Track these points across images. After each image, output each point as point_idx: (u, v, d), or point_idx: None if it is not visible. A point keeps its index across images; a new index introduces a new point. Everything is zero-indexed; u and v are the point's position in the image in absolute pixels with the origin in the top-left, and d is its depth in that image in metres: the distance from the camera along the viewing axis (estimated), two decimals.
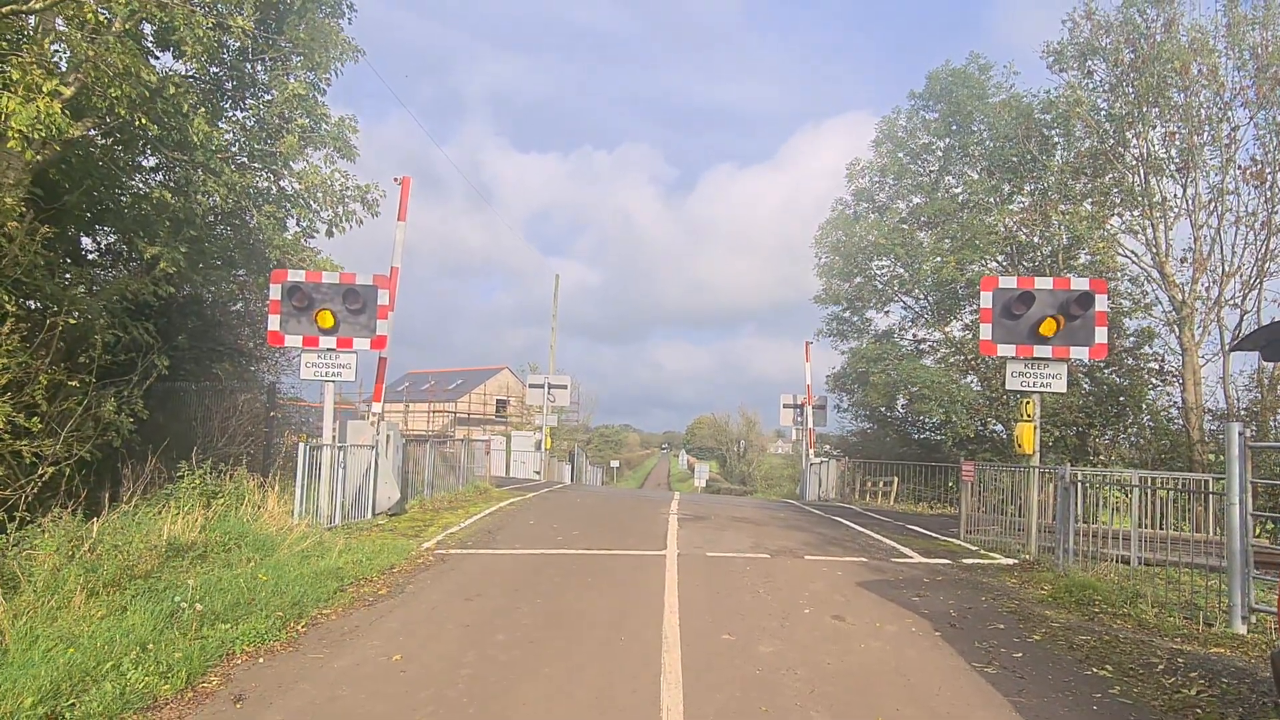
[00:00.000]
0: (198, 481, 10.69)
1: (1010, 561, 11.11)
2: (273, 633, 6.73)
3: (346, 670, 5.97)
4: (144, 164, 13.62)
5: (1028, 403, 12.32)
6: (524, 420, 47.53)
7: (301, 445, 11.26)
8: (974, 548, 12.44)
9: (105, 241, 15.13)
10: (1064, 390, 12.48)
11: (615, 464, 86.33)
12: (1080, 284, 12.12)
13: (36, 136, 8.23)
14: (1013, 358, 12.16)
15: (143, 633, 6.33)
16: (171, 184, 12.75)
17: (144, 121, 9.97)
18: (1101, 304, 11.88)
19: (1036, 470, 12.09)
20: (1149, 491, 11.86)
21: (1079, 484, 10.48)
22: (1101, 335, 11.90)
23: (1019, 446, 12.21)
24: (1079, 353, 12.04)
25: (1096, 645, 6.95)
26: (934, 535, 14.13)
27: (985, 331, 12.22)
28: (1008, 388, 12.50)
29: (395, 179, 14.57)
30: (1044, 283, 12.18)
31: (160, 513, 9.80)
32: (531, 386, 32.69)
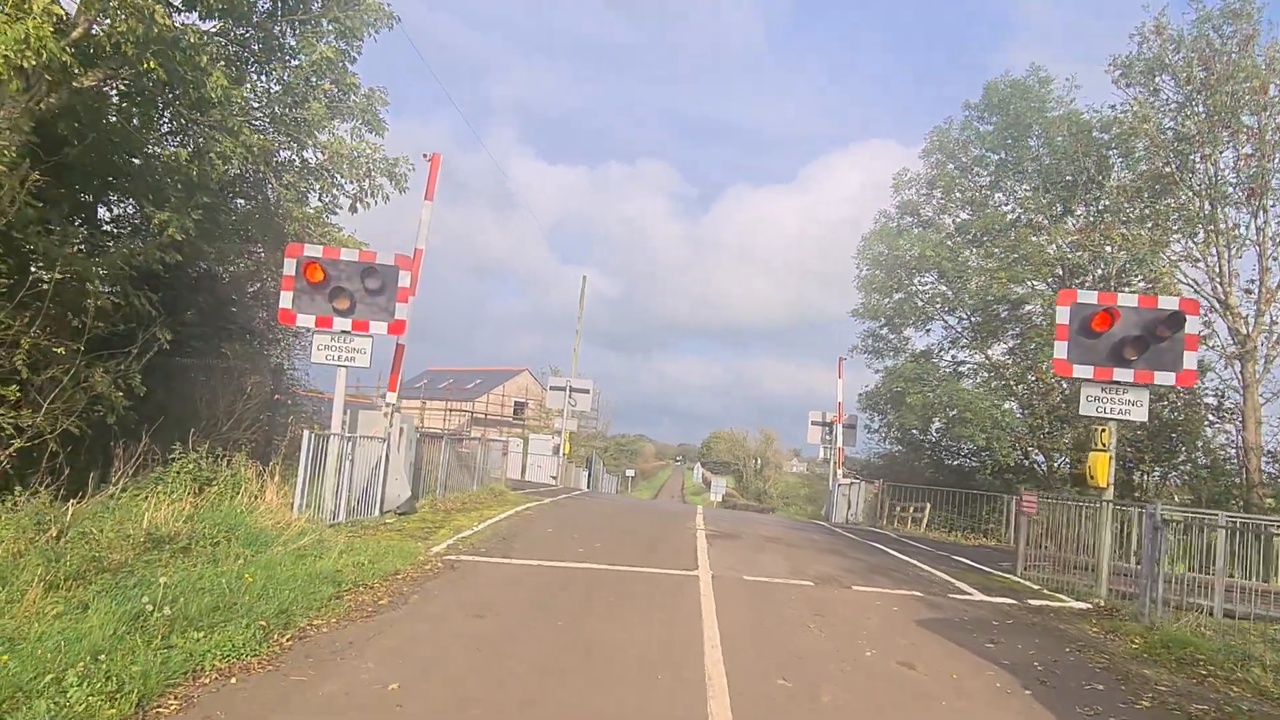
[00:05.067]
0: (190, 465, 9.77)
1: (1082, 605, 9.96)
2: (251, 646, 5.73)
3: (332, 699, 4.97)
4: (160, 128, 12.78)
5: (1103, 431, 11.18)
6: (542, 424, 46.58)
7: (306, 433, 10.31)
8: (1035, 586, 11.30)
9: (120, 211, 14.34)
10: (1144, 419, 11.34)
11: (630, 473, 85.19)
12: (1169, 303, 11.01)
13: (27, 65, 7.35)
14: (1089, 380, 11.04)
15: (99, 638, 5.37)
16: (188, 147, 11.89)
17: (152, 65, 9.09)
18: (1193, 326, 10.78)
19: (1110, 505, 10.96)
20: (1237, 535, 10.66)
21: (1169, 524, 9.35)
22: (1191, 361, 10.81)
23: (1091, 478, 11.07)
24: (1164, 378, 10.91)
25: (1218, 718, 5.84)
26: (985, 569, 12.98)
27: (1060, 350, 11.12)
28: (1081, 413, 11.37)
29: (425, 155, 13.65)
30: (1128, 300, 11.07)
31: (146, 497, 8.90)
32: (552, 389, 31.76)
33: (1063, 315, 11.10)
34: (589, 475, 39.55)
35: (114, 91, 11.86)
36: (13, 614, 5.78)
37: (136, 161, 12.32)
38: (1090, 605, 9.97)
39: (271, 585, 7.15)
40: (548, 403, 35.42)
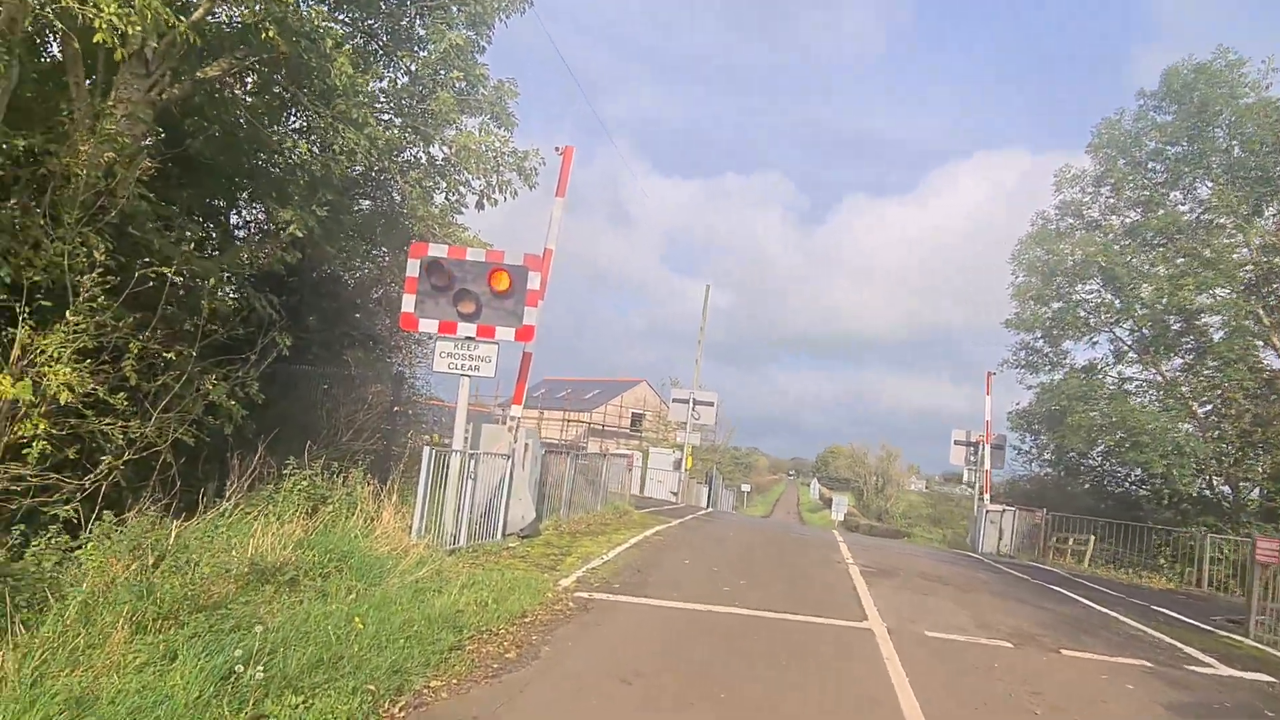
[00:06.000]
0: (304, 483, 8.96)
1: None
2: (357, 719, 4.67)
3: None
4: (287, 122, 12.27)
5: None
6: (660, 436, 45.48)
7: (426, 449, 9.36)
8: None
9: (250, 216, 14.00)
10: None
11: (746, 488, 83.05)
12: None
13: (131, 32, 6.64)
14: None
15: (179, 704, 4.42)
16: (313, 141, 11.27)
17: (272, 33, 8.32)
18: None
19: None
20: None
21: None
22: None
23: None
24: None
25: None
26: (1200, 625, 10.95)
27: None
28: None
29: (556, 149, 12.63)
30: None
31: (257, 517, 8.11)
32: (675, 401, 30.50)
33: None
34: (709, 491, 38.14)
35: (240, 88, 11.43)
36: (90, 663, 4.92)
37: (261, 158, 11.82)
38: None
39: (384, 631, 6.13)
40: (670, 416, 34.21)
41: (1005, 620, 9.52)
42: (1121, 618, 10.89)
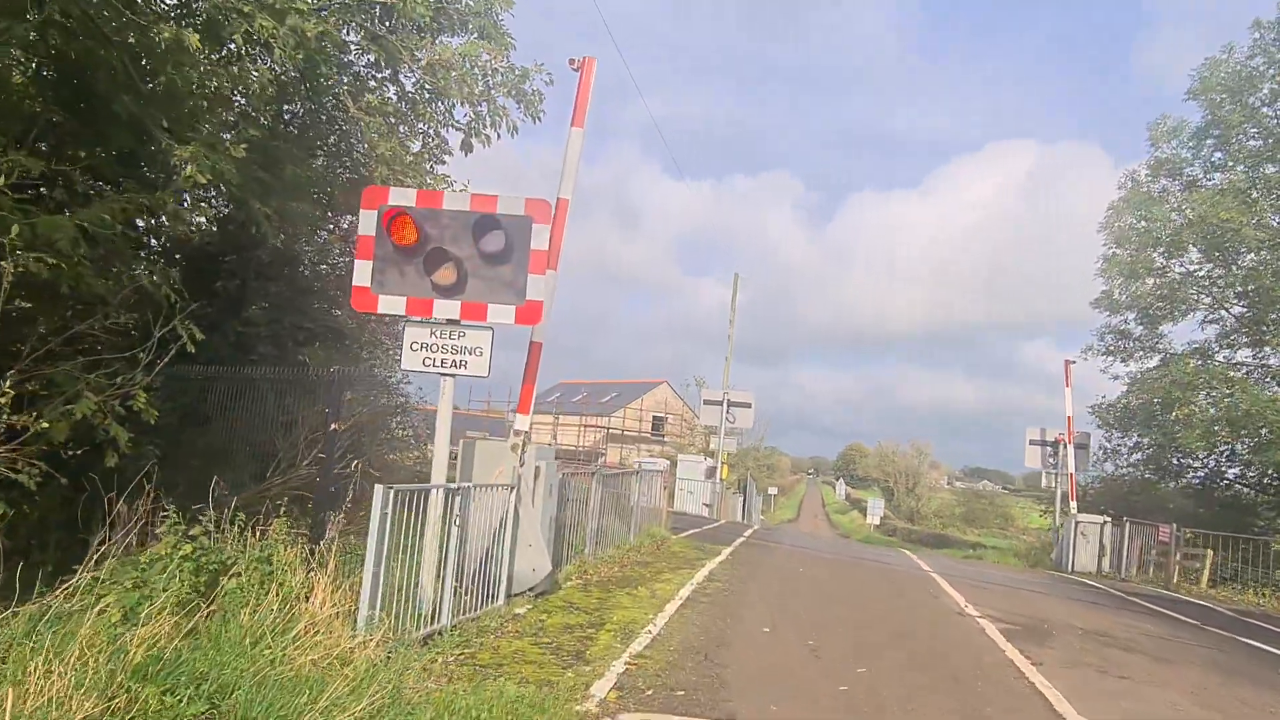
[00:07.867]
0: (189, 549, 5.71)
1: None
2: None
3: None
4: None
5: None
6: (687, 441, 42.16)
7: (378, 491, 6.00)
8: None
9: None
10: None
11: (773, 491, 79.37)
12: None
13: None
14: None
15: None
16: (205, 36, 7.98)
17: None
18: None
19: None
20: None
21: None
22: None
23: None
24: None
25: None
26: None
27: None
28: None
29: (572, 63, 9.21)
30: None
31: (86, 613, 4.85)
32: (706, 404, 27.17)
33: None
34: (744, 502, 34.76)
35: None
36: None
37: (148, 76, 8.56)
38: None
39: None
40: (700, 420, 30.88)
41: None
42: None
